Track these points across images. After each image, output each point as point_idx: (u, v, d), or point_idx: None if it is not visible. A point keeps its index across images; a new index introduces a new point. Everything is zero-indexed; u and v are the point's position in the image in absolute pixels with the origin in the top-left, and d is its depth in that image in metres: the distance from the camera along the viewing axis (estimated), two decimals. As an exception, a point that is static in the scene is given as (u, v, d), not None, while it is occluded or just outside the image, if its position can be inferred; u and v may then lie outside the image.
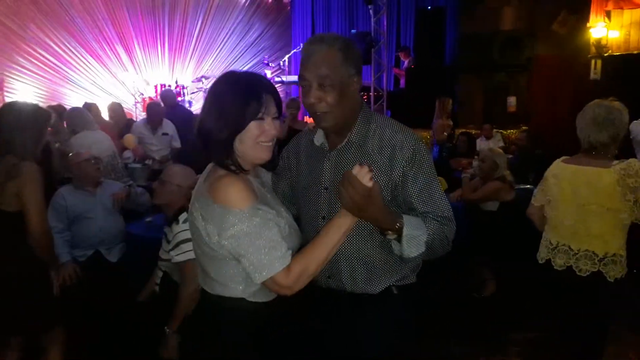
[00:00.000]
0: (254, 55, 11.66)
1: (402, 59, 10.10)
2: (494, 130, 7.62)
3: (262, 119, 1.39)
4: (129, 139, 5.17)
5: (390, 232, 1.41)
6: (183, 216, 2.39)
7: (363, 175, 1.31)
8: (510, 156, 5.99)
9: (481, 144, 7.18)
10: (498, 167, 3.96)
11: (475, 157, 5.76)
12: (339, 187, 1.33)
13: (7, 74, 8.92)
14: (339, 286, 1.58)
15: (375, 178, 1.36)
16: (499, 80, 8.47)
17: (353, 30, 10.37)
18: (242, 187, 1.35)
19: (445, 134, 5.74)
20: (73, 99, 9.34)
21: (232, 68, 11.44)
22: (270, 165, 1.55)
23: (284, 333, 1.48)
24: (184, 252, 2.31)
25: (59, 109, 5.56)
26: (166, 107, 6.21)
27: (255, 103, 1.37)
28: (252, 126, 1.38)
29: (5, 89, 8.81)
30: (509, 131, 8.11)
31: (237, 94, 1.38)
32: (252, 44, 11.67)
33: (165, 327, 2.28)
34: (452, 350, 3.18)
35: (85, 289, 2.74)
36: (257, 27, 11.66)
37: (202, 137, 1.42)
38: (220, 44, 11.37)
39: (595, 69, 6.40)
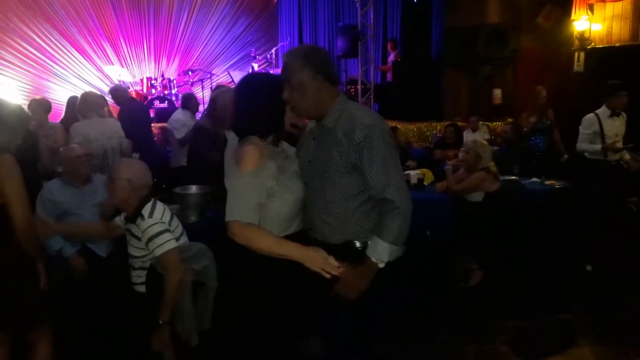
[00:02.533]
0: (241, 48, 11.61)
1: (389, 50, 10.12)
2: (480, 122, 7.67)
3: None
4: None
5: (378, 266, 1.82)
6: (147, 210, 2.36)
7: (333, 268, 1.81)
8: (497, 148, 6.07)
9: (467, 136, 7.22)
10: (481, 159, 4.01)
11: (462, 148, 5.83)
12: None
13: (-10, 67, 8.82)
14: (314, 235, 1.98)
15: (339, 155, 1.84)
16: (485, 73, 8.51)
17: (340, 23, 10.37)
18: (254, 155, 1.84)
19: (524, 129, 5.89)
20: (58, 93, 9.25)
21: (218, 62, 11.46)
22: (294, 141, 2.11)
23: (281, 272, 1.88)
24: (160, 245, 2.30)
25: (43, 102, 5.49)
26: (119, 103, 5.79)
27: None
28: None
29: (-12, 83, 8.71)
30: (494, 123, 8.17)
31: (278, 90, 1.92)
32: (238, 37, 11.62)
33: (159, 320, 2.28)
34: (440, 338, 3.23)
35: (75, 283, 2.74)
36: (243, 20, 11.60)
37: (249, 128, 1.94)
38: (207, 37, 11.31)
39: (579, 61, 6.49)
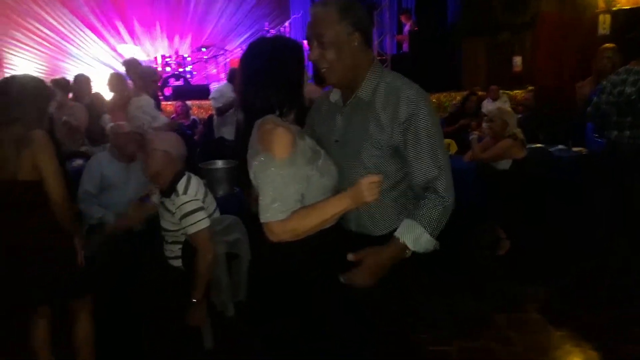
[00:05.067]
0: (254, 22, 11.49)
1: (403, 22, 9.94)
2: (500, 91, 7.54)
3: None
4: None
5: (405, 254, 1.55)
6: (181, 185, 2.34)
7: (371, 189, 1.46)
8: (519, 116, 5.96)
9: (488, 105, 7.11)
10: (508, 126, 3.95)
11: (485, 117, 5.73)
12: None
13: (6, 50, 8.87)
14: (349, 227, 1.71)
15: (378, 134, 1.57)
16: (504, 40, 8.33)
17: (354, -6, 10.15)
18: (287, 140, 1.46)
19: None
20: (74, 73, 9.23)
21: (231, 37, 11.35)
22: (303, 120, 1.74)
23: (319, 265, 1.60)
24: (193, 224, 2.29)
25: (63, 83, 5.50)
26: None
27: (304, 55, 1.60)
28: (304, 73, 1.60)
29: (4, 64, 8.75)
30: (515, 92, 8.03)
31: (292, 55, 1.58)
32: (250, 10, 11.49)
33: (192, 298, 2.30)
34: (469, 305, 3.23)
35: (114, 256, 2.77)
36: (253, -6, 11.47)
37: (262, 106, 1.54)
38: (219, 12, 11.20)
39: (604, 24, 6.28)
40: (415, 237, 1.53)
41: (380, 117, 1.58)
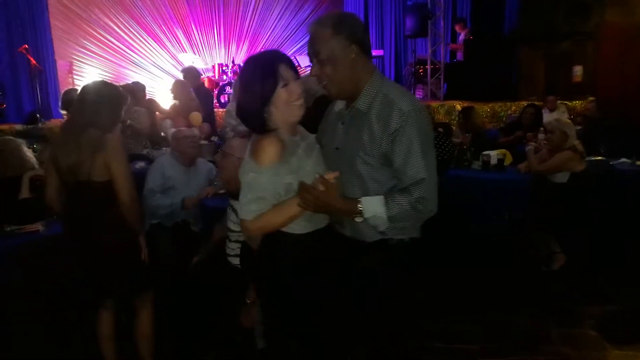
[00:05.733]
0: (306, 32, 11.64)
1: (458, 31, 9.83)
2: (558, 101, 7.31)
3: (287, 84, 1.62)
4: (196, 116, 5.35)
5: (357, 216, 1.62)
6: None
7: (316, 183, 1.60)
8: (578, 127, 5.76)
9: (545, 116, 6.91)
10: (568, 137, 3.84)
11: (541, 129, 5.59)
12: (298, 192, 1.62)
13: (75, 57, 9.39)
14: (342, 231, 1.79)
15: (370, 144, 1.65)
16: (563, 49, 8.07)
17: (409, 2, 10.14)
18: (271, 150, 1.60)
19: None
20: (136, 80, 9.71)
21: (285, 46, 11.57)
22: (312, 127, 1.85)
23: (308, 266, 1.72)
24: None
25: (130, 88, 5.78)
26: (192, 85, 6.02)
27: (272, 75, 1.61)
28: (281, 92, 1.63)
29: (74, 71, 9.28)
30: (574, 102, 7.77)
31: (258, 72, 1.64)
32: (304, 21, 11.64)
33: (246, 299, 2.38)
34: (523, 321, 3.16)
35: (174, 254, 2.91)
36: (309, 3, 11.62)
37: (240, 113, 1.71)
38: (274, 22, 11.44)
39: (672, 33, 6.00)
40: (375, 211, 1.61)
41: (374, 127, 1.64)
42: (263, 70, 1.64)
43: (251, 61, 1.71)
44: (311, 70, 1.70)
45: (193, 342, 2.92)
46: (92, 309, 2.50)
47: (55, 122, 7.88)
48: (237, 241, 2.55)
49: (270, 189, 1.62)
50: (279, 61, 1.65)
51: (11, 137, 3.54)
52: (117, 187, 2.30)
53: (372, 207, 1.61)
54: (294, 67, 1.67)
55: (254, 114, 1.65)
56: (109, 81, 2.65)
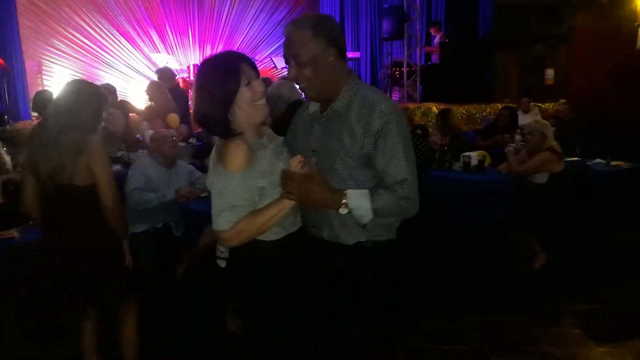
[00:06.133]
0: (282, 34, 11.59)
1: (433, 34, 9.94)
2: (532, 103, 7.46)
3: (249, 83, 1.60)
4: (173, 118, 5.25)
5: (341, 207, 1.59)
6: None
7: (296, 166, 1.58)
8: (552, 129, 5.88)
9: (519, 118, 7.03)
10: (547, 139, 3.91)
11: (518, 130, 5.68)
12: (281, 181, 1.59)
13: (44, 57, 9.11)
14: (320, 235, 1.75)
15: (351, 144, 1.62)
16: (536, 53, 8.25)
17: (385, 5, 10.20)
18: (240, 154, 1.56)
19: None
20: (108, 81, 9.44)
21: (260, 48, 11.50)
22: (282, 130, 1.85)
23: (290, 269, 1.71)
24: None
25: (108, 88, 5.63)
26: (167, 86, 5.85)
27: (235, 74, 1.57)
28: (244, 92, 1.59)
29: (43, 72, 9.01)
30: (546, 104, 7.94)
31: (218, 73, 1.59)
32: (279, 22, 11.59)
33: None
34: (509, 320, 3.19)
35: (155, 259, 2.84)
36: (284, 5, 11.57)
37: (202, 121, 1.64)
38: (249, 23, 11.34)
39: (643, 37, 6.19)
40: (359, 202, 1.59)
41: (354, 128, 1.63)
42: (224, 70, 1.59)
43: (209, 62, 1.65)
44: (289, 72, 1.67)
45: (179, 348, 2.84)
46: (74, 319, 2.40)
47: (24, 124, 7.61)
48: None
49: (243, 195, 1.57)
50: (239, 60, 1.62)
51: None
52: (100, 191, 2.22)
53: (357, 198, 1.60)
54: (254, 66, 1.64)
55: (217, 118, 1.59)
56: (88, 80, 2.54)
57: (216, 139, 1.68)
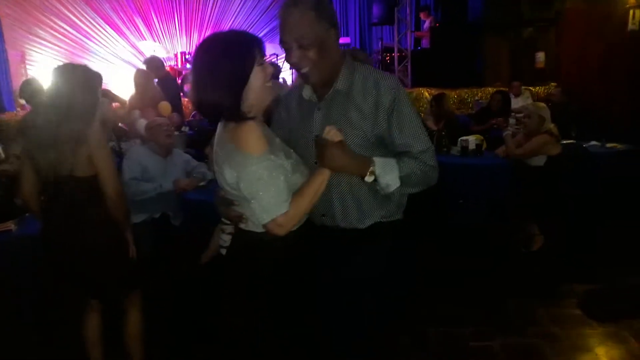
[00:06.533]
0: (270, 20, 11.46)
1: (422, 18, 9.89)
2: (523, 87, 7.48)
3: (261, 63, 1.52)
4: (165, 106, 5.16)
5: (367, 175, 1.56)
6: None
7: (333, 134, 1.52)
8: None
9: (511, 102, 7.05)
10: (545, 121, 3.91)
11: (512, 114, 5.70)
12: (314, 148, 1.55)
13: (28, 46, 8.91)
14: (332, 223, 1.71)
15: (361, 122, 1.60)
16: (527, 36, 8.25)
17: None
18: (260, 134, 1.47)
19: None
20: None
21: (249, 34, 11.38)
22: (267, 117, 1.75)
23: (294, 266, 1.63)
24: None
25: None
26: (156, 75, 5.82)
27: (250, 54, 1.48)
28: (258, 71, 1.50)
29: (27, 61, 8.80)
30: (537, 88, 7.96)
31: (233, 53, 1.47)
32: (267, 9, 11.45)
33: None
34: (509, 303, 3.21)
35: (155, 250, 2.79)
36: (271, -9, 11.43)
37: (209, 106, 1.50)
38: (236, 10, 11.19)
39: (634, 19, 6.20)
40: (387, 169, 1.57)
41: (362, 106, 1.60)
42: (239, 49, 1.47)
43: (218, 42, 1.50)
44: (290, 57, 1.58)
45: (184, 341, 2.82)
46: (77, 311, 2.36)
47: (9, 115, 7.45)
48: (230, 233, 2.46)
49: (280, 175, 1.48)
50: (251, 39, 1.52)
51: None
52: (103, 181, 2.16)
53: (385, 165, 1.57)
54: (263, 45, 1.55)
55: (231, 102, 1.46)
56: (76, 63, 2.41)
57: (220, 126, 1.56)
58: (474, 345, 2.80)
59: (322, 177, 1.56)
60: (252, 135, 1.45)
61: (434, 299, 3.27)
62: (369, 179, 1.56)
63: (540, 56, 8.05)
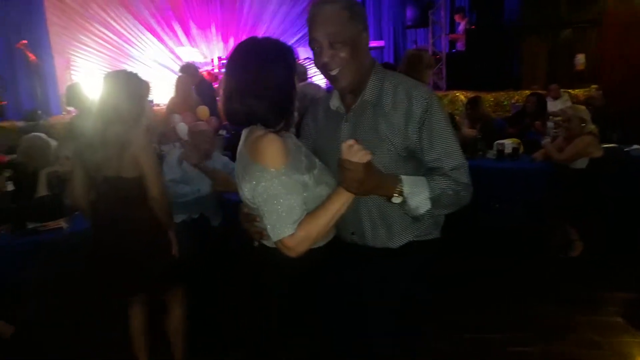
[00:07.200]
0: (305, 23, 11.51)
1: (457, 21, 9.79)
2: (561, 90, 7.31)
3: (295, 71, 1.50)
4: (203, 110, 5.29)
5: (395, 196, 1.42)
6: None
7: (355, 153, 1.33)
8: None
9: (549, 105, 6.89)
10: (586, 123, 3.84)
11: (550, 117, 5.59)
12: (338, 170, 1.38)
13: (72, 53, 9.26)
14: (362, 241, 1.62)
15: (391, 135, 1.48)
16: (566, 38, 8.07)
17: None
18: (279, 147, 1.39)
19: None
20: (134, 75, 9.59)
21: (284, 38, 11.49)
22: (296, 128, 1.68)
23: (316, 282, 1.57)
24: None
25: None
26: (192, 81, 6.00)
27: (293, 61, 1.48)
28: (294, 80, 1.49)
29: (71, 67, 9.16)
30: (576, 90, 7.78)
31: (280, 59, 1.45)
32: (301, 13, 11.55)
33: None
34: (546, 309, 3.16)
35: (193, 249, 2.87)
36: (306, -5, 11.54)
37: (248, 114, 1.44)
38: (271, 15, 11.33)
39: (680, 19, 6.00)
40: (416, 189, 1.42)
41: (391, 117, 1.50)
42: (286, 56, 1.47)
43: (258, 49, 1.46)
44: (320, 57, 1.49)
45: (223, 337, 2.90)
46: (123, 305, 2.46)
47: (56, 119, 7.78)
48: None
49: (296, 192, 1.40)
50: (287, 46, 1.50)
51: (40, 135, 3.50)
52: (148, 182, 2.26)
53: (414, 184, 1.43)
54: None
55: (275, 108, 1.43)
56: (129, 70, 2.51)
57: (242, 139, 1.52)
58: (512, 351, 2.78)
59: (342, 200, 1.42)
60: (271, 148, 1.38)
61: (468, 304, 3.25)
62: (396, 200, 1.43)
63: (580, 58, 7.86)
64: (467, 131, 5.05)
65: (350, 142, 1.33)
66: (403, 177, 1.43)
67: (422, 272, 1.65)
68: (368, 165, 1.35)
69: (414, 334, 1.69)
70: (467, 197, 1.52)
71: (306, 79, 4.70)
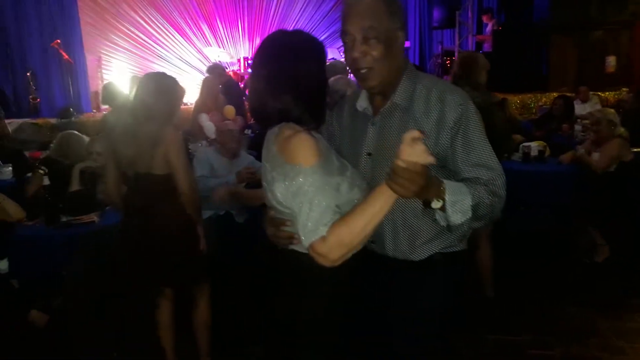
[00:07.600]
0: (331, 24, 11.60)
1: (485, 21, 9.70)
2: (590, 92, 7.19)
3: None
4: (230, 110, 5.39)
5: (434, 200, 1.27)
6: None
7: (419, 153, 1.14)
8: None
9: (577, 107, 6.80)
10: (616, 125, 3.79)
11: (578, 120, 5.52)
12: (391, 171, 1.18)
13: (103, 52, 9.51)
14: (382, 251, 1.51)
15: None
16: (596, 39, 7.92)
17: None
18: (312, 145, 1.28)
19: None
20: (163, 75, 9.77)
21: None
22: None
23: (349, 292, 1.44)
24: None
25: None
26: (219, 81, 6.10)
27: (324, 56, 1.42)
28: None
29: (102, 66, 9.40)
30: (606, 93, 7.63)
31: (317, 50, 1.40)
32: (327, 12, 11.60)
33: None
34: (571, 313, 3.14)
35: (219, 245, 2.94)
36: (332, -5, 11.58)
37: (278, 110, 1.35)
38: (297, 15, 11.41)
39: None
40: (458, 196, 1.28)
41: (422, 123, 1.40)
42: (319, 48, 1.40)
43: (298, 36, 1.41)
44: (351, 52, 1.39)
45: (247, 330, 2.95)
46: (152, 298, 2.54)
47: (87, 117, 8.00)
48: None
49: (327, 191, 1.27)
50: (320, 41, 1.44)
51: (74, 131, 3.63)
52: (178, 179, 2.33)
53: (457, 191, 1.28)
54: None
55: (310, 105, 1.36)
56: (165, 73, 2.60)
57: (268, 140, 1.39)
58: (534, 353, 2.77)
59: (382, 202, 1.24)
60: (304, 146, 1.28)
61: (492, 305, 3.24)
62: (436, 204, 1.27)
63: (611, 60, 7.71)
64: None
65: (415, 134, 1.14)
66: (446, 181, 1.29)
67: (450, 284, 1.54)
68: (425, 167, 1.18)
69: (442, 346, 1.58)
70: (499, 210, 1.40)
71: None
